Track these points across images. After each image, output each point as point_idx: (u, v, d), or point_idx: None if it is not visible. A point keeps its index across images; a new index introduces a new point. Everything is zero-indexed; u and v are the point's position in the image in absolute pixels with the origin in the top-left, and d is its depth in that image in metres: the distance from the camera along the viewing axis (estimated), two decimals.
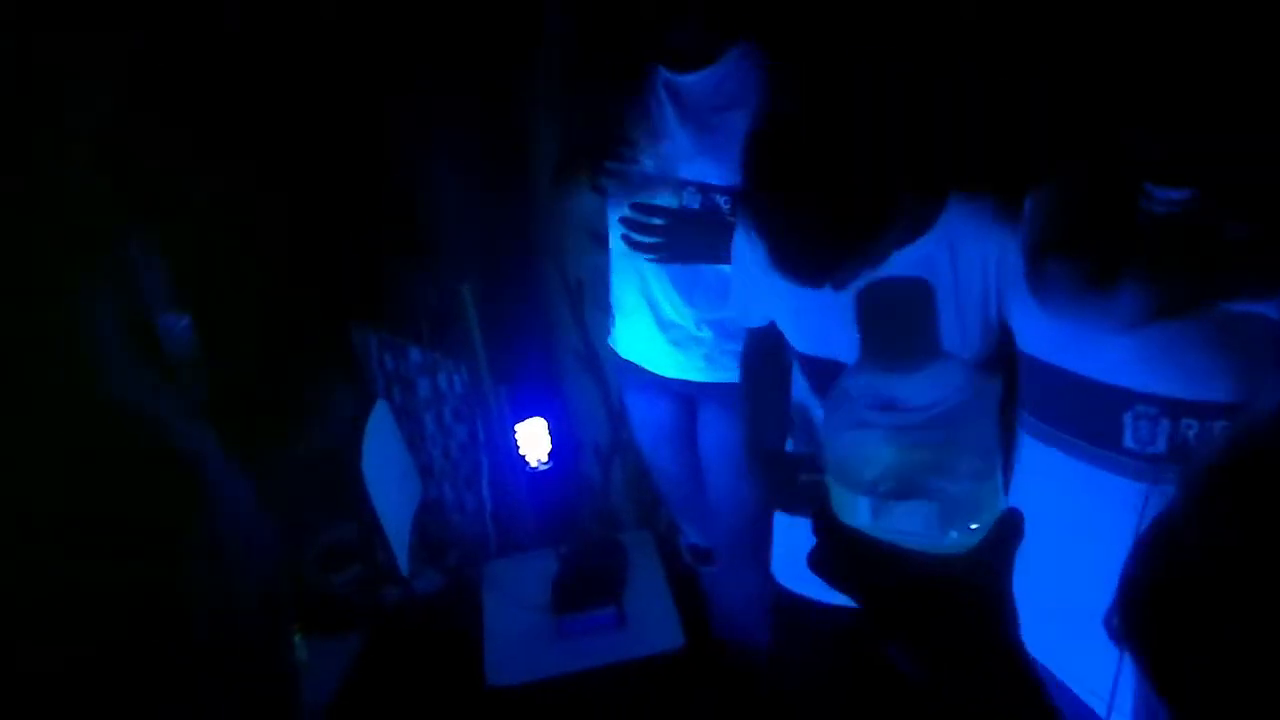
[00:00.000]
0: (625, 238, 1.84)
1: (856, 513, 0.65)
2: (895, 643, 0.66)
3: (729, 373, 1.93)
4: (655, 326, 1.98)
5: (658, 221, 1.80)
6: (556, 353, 2.63)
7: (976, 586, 0.65)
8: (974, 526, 0.65)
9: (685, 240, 1.81)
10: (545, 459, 2.55)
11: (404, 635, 2.30)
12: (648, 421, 2.16)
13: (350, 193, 2.41)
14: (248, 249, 2.16)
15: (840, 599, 0.67)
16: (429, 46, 2.29)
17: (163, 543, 1.16)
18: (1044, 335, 1.20)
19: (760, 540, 1.98)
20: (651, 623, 2.18)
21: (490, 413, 2.52)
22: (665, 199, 1.82)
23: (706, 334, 1.94)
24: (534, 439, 2.54)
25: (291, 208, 2.32)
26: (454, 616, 2.31)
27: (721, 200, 1.80)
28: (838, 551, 0.66)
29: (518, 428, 2.52)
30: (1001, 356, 1.30)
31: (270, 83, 2.23)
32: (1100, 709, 1.12)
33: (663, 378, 2.02)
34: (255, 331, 2.11)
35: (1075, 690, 1.17)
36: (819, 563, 0.67)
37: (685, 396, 2.05)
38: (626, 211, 1.83)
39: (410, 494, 2.45)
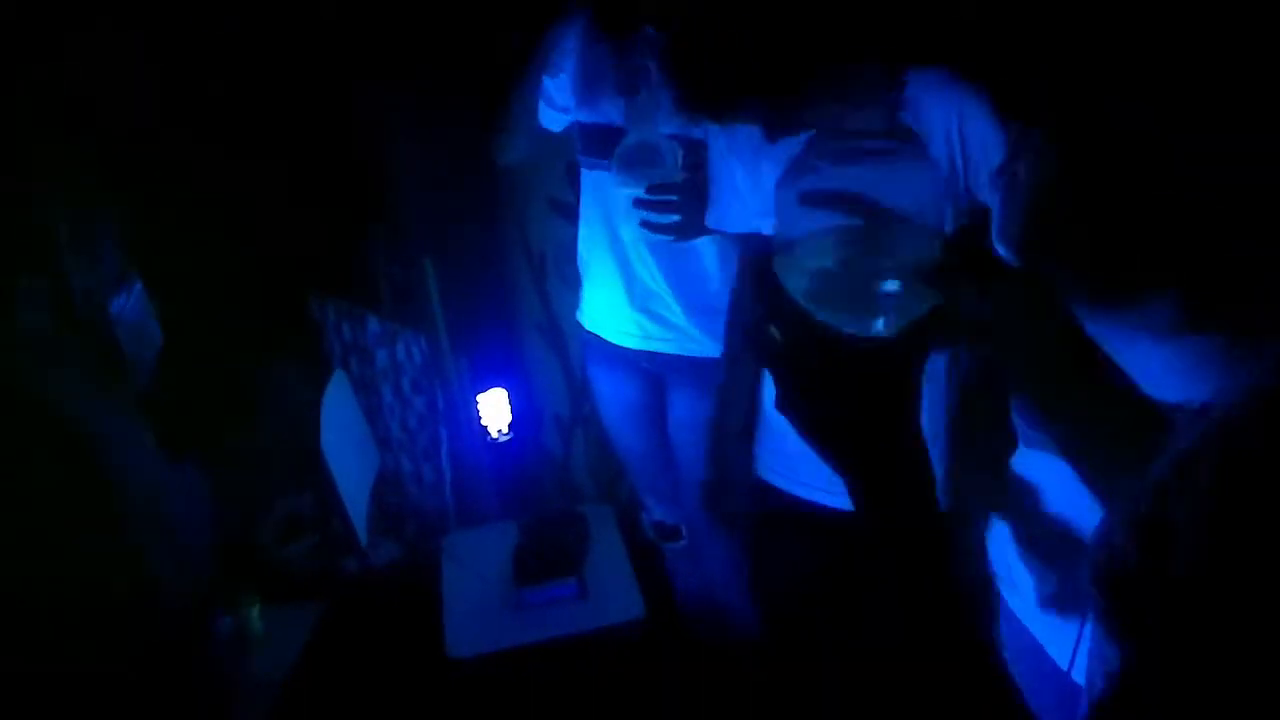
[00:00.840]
0: (644, 223, 1.81)
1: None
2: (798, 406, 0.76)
3: (699, 346, 1.93)
4: (626, 296, 1.96)
5: (672, 199, 1.77)
6: (518, 323, 2.61)
7: (884, 371, 0.73)
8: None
9: (699, 211, 1.79)
10: (506, 430, 2.54)
11: (362, 606, 2.28)
12: (614, 398, 2.15)
13: (311, 161, 2.36)
14: (203, 219, 2.12)
15: (820, 497, 0.72)
16: (399, 22, 2.25)
17: (58, 533, 1.15)
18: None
19: (731, 515, 2.00)
20: (612, 594, 2.18)
21: (450, 383, 2.50)
22: (657, 169, 1.78)
23: (677, 307, 1.93)
24: (495, 410, 2.53)
25: (250, 176, 2.27)
26: (413, 588, 2.30)
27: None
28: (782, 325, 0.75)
29: (478, 398, 2.51)
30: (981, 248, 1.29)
31: (231, 52, 2.18)
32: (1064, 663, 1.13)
33: (631, 352, 2.02)
34: (210, 304, 2.07)
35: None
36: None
37: (653, 373, 2.05)
38: (626, 189, 1.79)
39: (368, 465, 2.42)
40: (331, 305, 2.60)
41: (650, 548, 2.40)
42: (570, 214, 2.12)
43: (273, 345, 2.24)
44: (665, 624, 2.20)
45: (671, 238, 1.81)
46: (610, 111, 1.82)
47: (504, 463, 2.58)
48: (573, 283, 2.55)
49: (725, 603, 2.13)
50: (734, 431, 1.70)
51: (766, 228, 1.61)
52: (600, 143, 1.83)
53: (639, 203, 1.78)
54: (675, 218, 1.78)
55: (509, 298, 2.58)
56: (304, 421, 2.00)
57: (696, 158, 1.77)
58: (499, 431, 2.53)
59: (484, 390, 2.51)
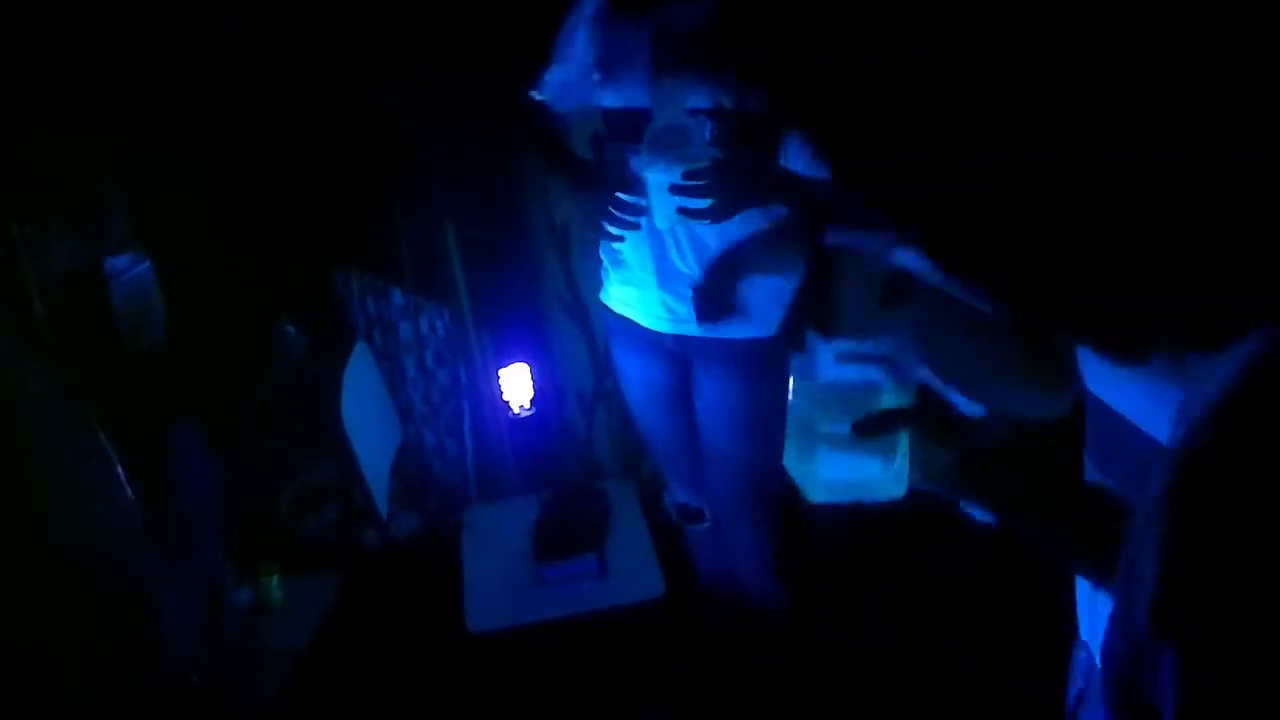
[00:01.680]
0: (680, 209, 1.78)
1: None
2: None
3: (726, 329, 1.90)
4: (656, 279, 1.93)
5: (704, 183, 1.74)
6: (541, 297, 2.58)
7: None
8: None
9: (732, 189, 1.75)
10: (528, 405, 2.52)
11: (382, 578, 2.28)
12: (639, 380, 2.12)
13: (334, 131, 2.35)
14: (218, 191, 2.11)
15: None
16: None
17: None
18: None
19: (760, 499, 1.97)
20: (632, 571, 2.17)
21: (473, 357, 2.49)
22: (688, 149, 1.75)
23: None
24: (517, 385, 2.51)
25: (270, 145, 2.26)
26: (433, 561, 2.30)
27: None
28: None
29: (500, 373, 2.49)
30: None
31: (250, 21, 2.16)
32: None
33: (656, 334, 1.98)
34: (222, 280, 2.06)
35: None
36: None
37: (678, 354, 2.02)
38: (655, 173, 1.76)
39: (389, 437, 2.42)
40: (355, 278, 2.59)
41: (672, 526, 2.38)
42: None
43: (282, 316, 2.23)
44: (685, 603, 2.18)
45: (707, 221, 1.78)
46: (634, 94, 1.78)
47: (526, 438, 2.56)
48: (596, 258, 2.53)
49: (747, 586, 2.10)
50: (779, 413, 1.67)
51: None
52: (627, 127, 1.80)
53: (675, 189, 1.74)
54: (709, 201, 1.74)
55: (532, 272, 2.56)
56: (314, 392, 1.99)
57: (728, 131, 1.73)
58: (520, 407, 2.51)
59: (506, 365, 2.49)
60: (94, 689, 1.17)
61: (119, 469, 1.30)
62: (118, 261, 1.49)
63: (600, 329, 2.55)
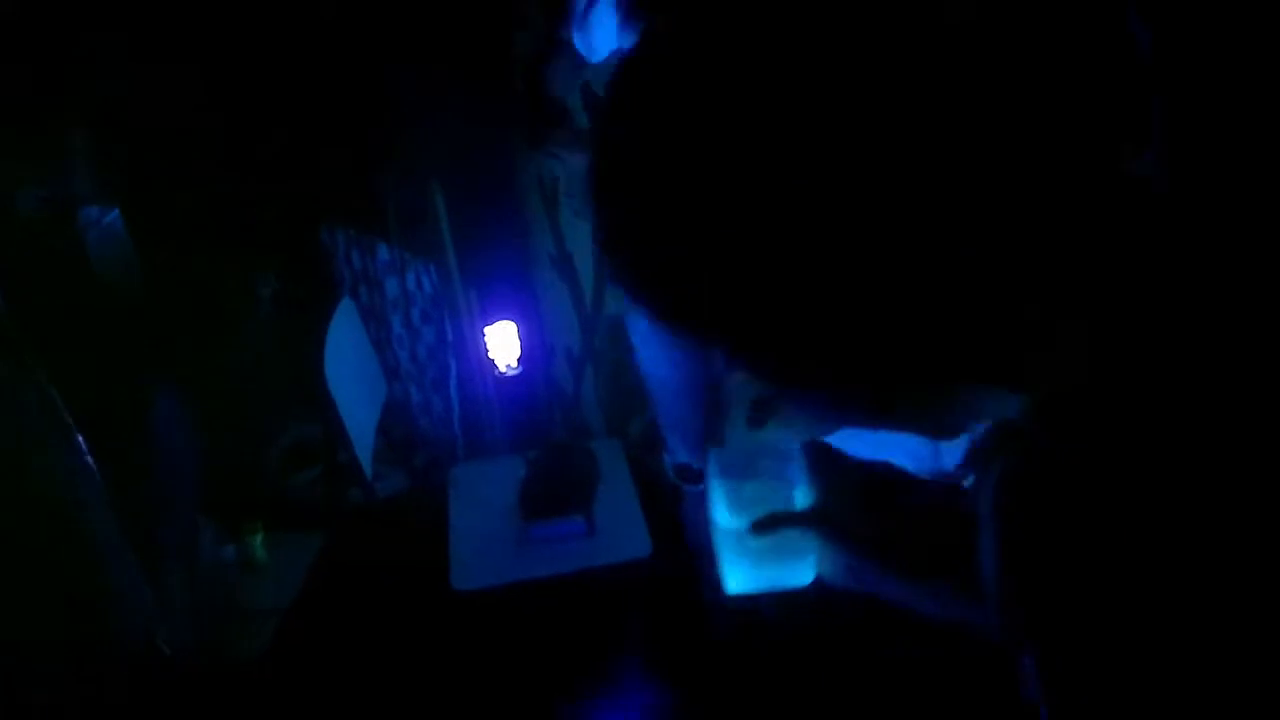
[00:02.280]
0: None
1: None
2: None
3: None
4: None
5: None
6: (529, 254, 2.55)
7: None
8: None
9: None
10: (515, 364, 2.50)
11: (367, 536, 2.27)
12: (654, 331, 2.08)
13: (317, 82, 2.30)
14: (196, 140, 2.07)
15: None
16: None
17: None
18: None
19: None
20: (619, 531, 2.15)
21: (459, 314, 2.46)
22: None
23: None
24: (504, 343, 2.48)
25: (253, 95, 2.21)
26: (419, 519, 2.28)
27: None
28: None
29: (487, 331, 2.46)
30: None
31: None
32: None
33: None
34: (200, 232, 2.02)
35: None
36: None
37: None
38: None
39: (375, 395, 2.39)
40: (341, 232, 2.55)
41: (664, 487, 2.37)
42: (586, 140, 2.04)
43: (261, 271, 2.19)
44: (672, 563, 2.17)
45: None
46: None
47: (513, 396, 2.54)
48: (585, 214, 2.48)
49: None
50: None
51: None
52: None
53: None
54: None
55: (521, 228, 2.52)
56: (298, 348, 1.96)
57: None
58: (507, 365, 2.49)
59: (493, 323, 2.46)
60: (51, 655, 1.15)
61: (79, 438, 1.28)
62: (89, 212, 1.46)
63: (589, 285, 2.52)
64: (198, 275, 1.93)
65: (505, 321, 2.48)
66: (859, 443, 1.06)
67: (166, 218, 1.83)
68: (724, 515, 1.00)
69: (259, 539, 2.12)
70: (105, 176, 1.51)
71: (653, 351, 2.11)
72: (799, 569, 0.99)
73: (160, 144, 1.97)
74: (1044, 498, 0.60)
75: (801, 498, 0.97)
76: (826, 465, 0.96)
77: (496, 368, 2.49)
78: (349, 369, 2.22)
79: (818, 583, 0.99)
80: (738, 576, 1.01)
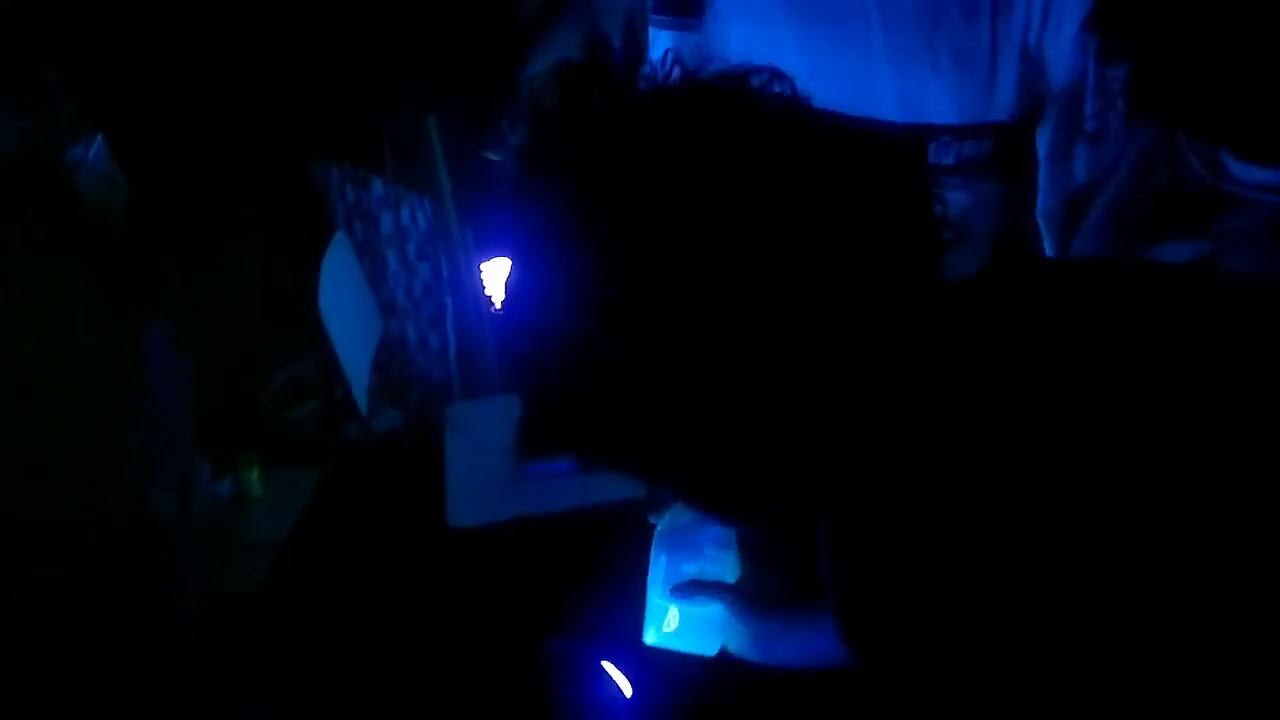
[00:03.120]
0: None
1: None
2: None
3: None
4: None
5: None
6: None
7: None
8: None
9: None
10: None
11: (363, 472, 2.26)
12: None
13: (311, 12, 2.24)
14: (185, 71, 2.02)
15: None
16: None
17: None
18: None
19: None
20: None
21: (456, 251, 2.42)
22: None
23: None
24: (501, 278, 2.45)
25: (242, 28, 2.16)
26: (415, 456, 2.27)
27: None
28: None
29: (484, 267, 2.43)
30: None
31: None
32: None
33: None
34: (186, 161, 1.98)
35: None
36: None
37: None
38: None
39: (370, 332, 2.37)
40: (334, 167, 2.51)
41: None
42: None
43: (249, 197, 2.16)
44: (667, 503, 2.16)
45: None
46: None
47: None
48: None
49: None
50: None
51: None
52: None
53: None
54: None
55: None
56: (293, 283, 1.93)
57: None
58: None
59: (490, 259, 2.44)
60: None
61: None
62: (75, 150, 1.42)
63: None
64: (187, 206, 1.90)
65: (504, 258, 2.45)
66: None
67: (154, 147, 1.79)
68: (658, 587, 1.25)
69: (254, 473, 2.12)
70: (89, 107, 1.47)
71: None
72: (707, 637, 1.21)
73: (147, 73, 1.93)
74: (864, 522, 0.72)
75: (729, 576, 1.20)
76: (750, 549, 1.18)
77: (495, 304, 2.47)
78: (344, 304, 2.20)
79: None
80: (655, 631, 1.27)
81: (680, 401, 0.74)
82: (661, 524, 1.24)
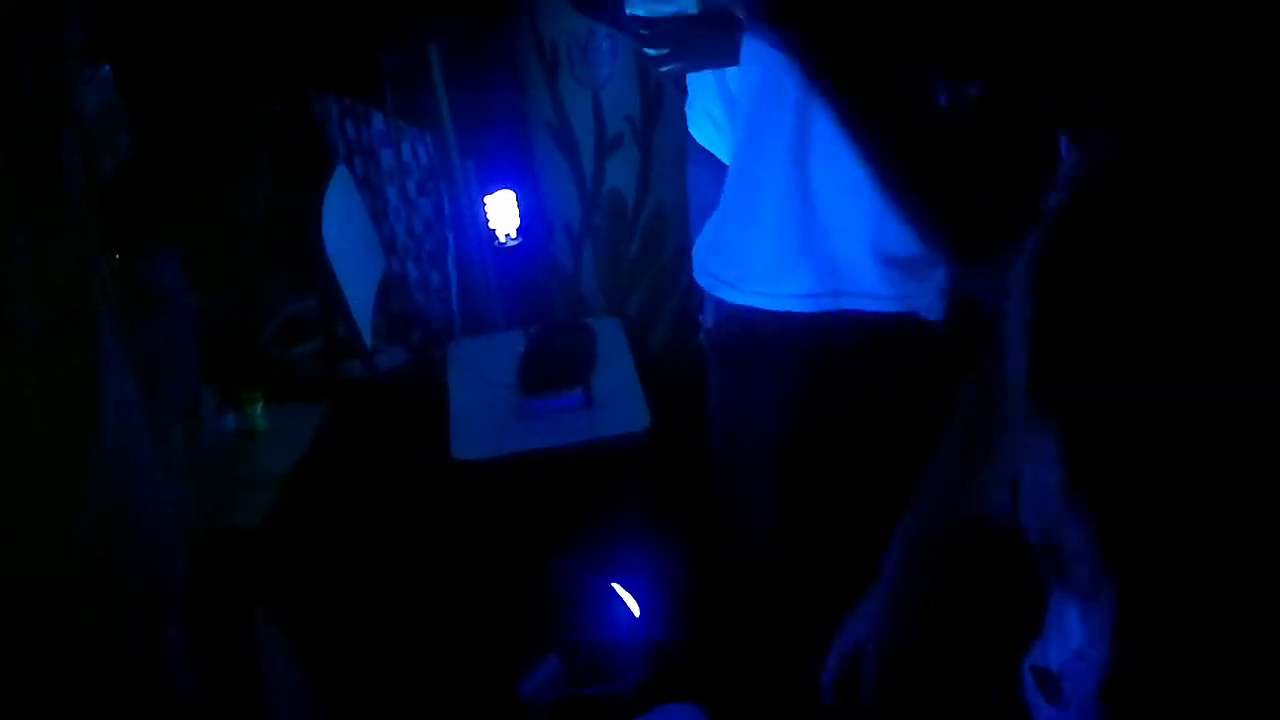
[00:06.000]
0: (638, 53, 1.68)
1: None
2: None
3: None
4: (723, 108, 1.84)
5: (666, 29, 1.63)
6: (528, 122, 2.48)
7: None
8: None
9: (692, 47, 1.65)
10: (514, 234, 2.46)
11: (366, 408, 2.27)
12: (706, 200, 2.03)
13: None
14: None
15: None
16: None
17: None
18: None
19: None
20: (619, 405, 2.15)
21: (456, 186, 2.41)
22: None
23: None
24: (503, 212, 2.44)
25: None
26: (418, 392, 2.28)
27: None
28: None
29: (486, 200, 2.42)
30: None
31: None
32: None
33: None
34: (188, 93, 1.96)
35: None
36: None
37: None
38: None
39: (372, 268, 2.36)
40: (334, 101, 2.48)
41: (667, 363, 2.35)
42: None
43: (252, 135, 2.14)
44: (673, 437, 2.17)
45: (665, 68, 1.69)
46: None
47: (511, 270, 2.51)
48: (585, 80, 2.41)
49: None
50: None
51: None
52: None
53: (635, 19, 1.62)
54: (664, 49, 1.64)
55: (518, 94, 2.45)
56: (296, 218, 1.92)
57: None
58: (507, 235, 2.45)
59: (492, 192, 2.42)
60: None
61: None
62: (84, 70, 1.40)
63: (588, 157, 2.47)
64: (190, 138, 1.88)
65: (505, 191, 2.44)
66: None
67: (158, 79, 1.77)
68: None
69: (259, 408, 2.12)
70: (94, 35, 1.45)
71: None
72: None
73: (151, 11, 1.90)
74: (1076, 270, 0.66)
75: None
76: None
77: (496, 238, 2.46)
78: (347, 241, 2.19)
79: None
80: None
81: None
82: None
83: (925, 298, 1.52)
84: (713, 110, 1.90)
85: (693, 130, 1.98)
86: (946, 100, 1.25)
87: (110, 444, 0.89)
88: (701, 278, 1.64)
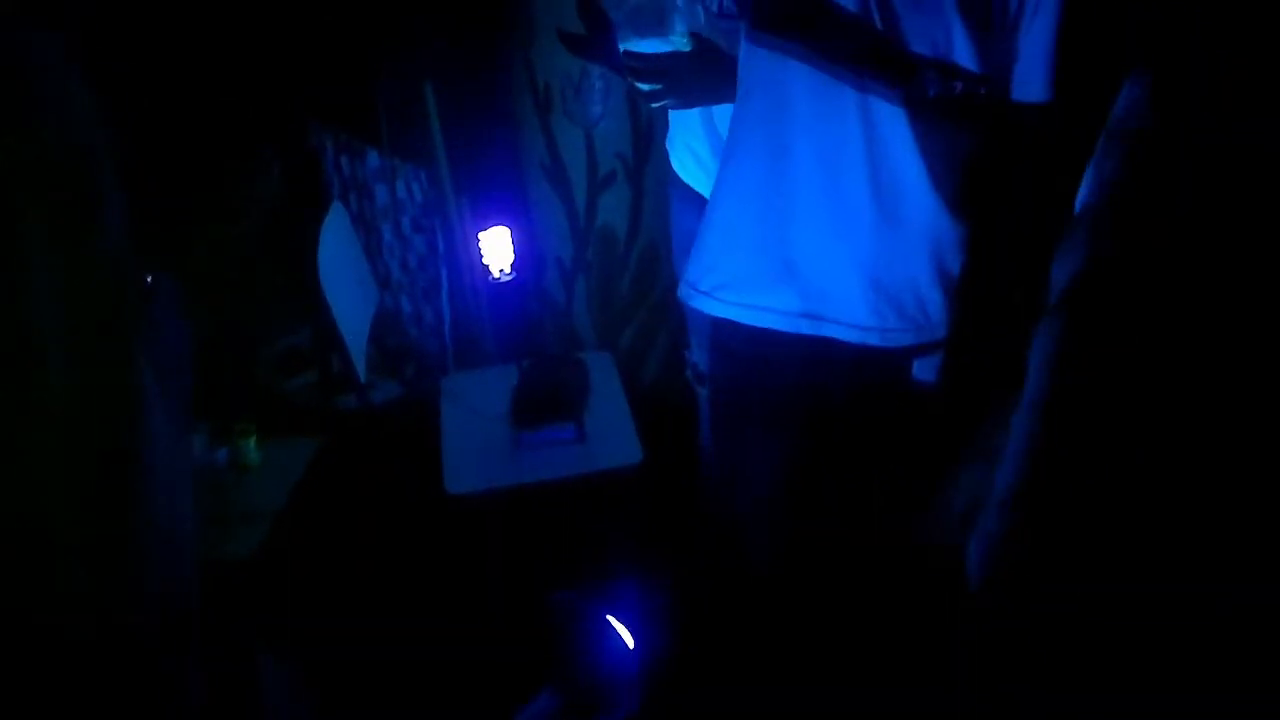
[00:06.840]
0: (631, 87, 1.72)
1: None
2: None
3: None
4: (708, 145, 1.87)
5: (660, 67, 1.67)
6: (522, 160, 2.52)
7: None
8: None
9: (685, 84, 1.69)
10: (508, 270, 2.48)
11: (360, 442, 2.28)
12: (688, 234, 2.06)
13: None
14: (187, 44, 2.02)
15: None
16: None
17: None
18: None
19: None
20: (611, 439, 2.17)
21: (451, 222, 2.43)
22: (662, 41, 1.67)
23: None
24: (497, 248, 2.46)
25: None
26: (411, 426, 2.29)
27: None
28: None
29: (480, 236, 2.44)
30: None
31: None
32: None
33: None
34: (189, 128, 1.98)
35: None
36: None
37: None
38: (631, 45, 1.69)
39: (367, 302, 2.38)
40: (330, 138, 2.51)
41: (657, 397, 2.37)
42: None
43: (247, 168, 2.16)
44: (665, 471, 2.18)
45: (657, 104, 1.72)
46: None
47: (505, 305, 2.53)
48: (578, 119, 2.45)
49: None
50: None
51: None
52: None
53: (627, 55, 1.66)
54: (657, 85, 1.67)
55: (513, 132, 2.49)
56: (291, 251, 1.93)
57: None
58: (501, 271, 2.48)
59: (486, 228, 2.45)
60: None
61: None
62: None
63: (580, 194, 2.50)
64: (184, 176, 1.90)
65: (499, 227, 2.46)
66: None
67: (157, 113, 1.79)
68: None
69: (252, 441, 2.13)
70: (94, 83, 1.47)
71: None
72: None
73: (150, 45, 1.93)
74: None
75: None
76: None
77: (490, 274, 2.48)
78: (341, 275, 2.20)
79: None
80: None
81: None
82: None
83: (917, 338, 1.51)
84: (697, 147, 1.93)
85: (675, 166, 2.01)
86: (934, 92, 1.32)
87: (147, 463, 0.89)
88: (680, 290, 1.64)
